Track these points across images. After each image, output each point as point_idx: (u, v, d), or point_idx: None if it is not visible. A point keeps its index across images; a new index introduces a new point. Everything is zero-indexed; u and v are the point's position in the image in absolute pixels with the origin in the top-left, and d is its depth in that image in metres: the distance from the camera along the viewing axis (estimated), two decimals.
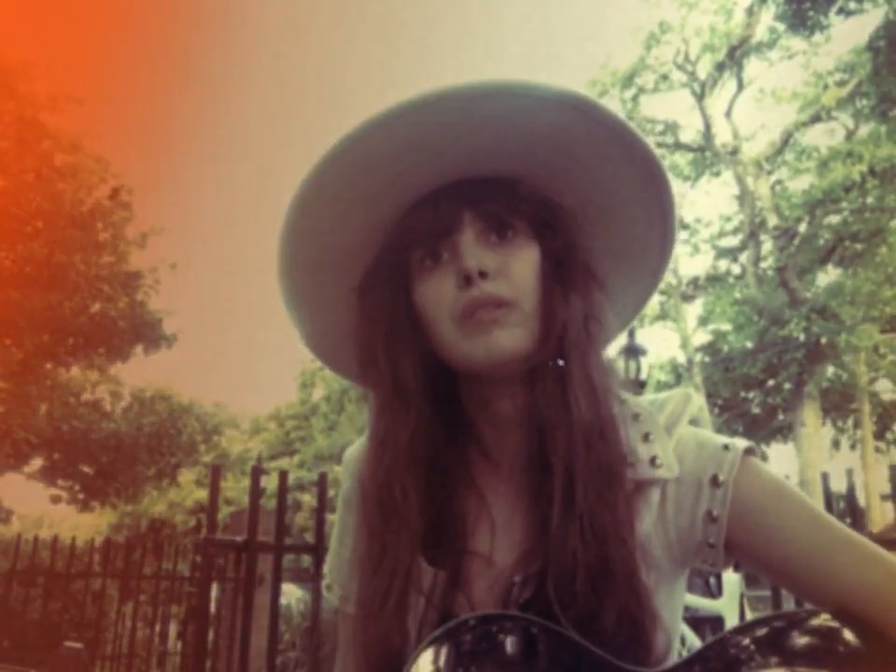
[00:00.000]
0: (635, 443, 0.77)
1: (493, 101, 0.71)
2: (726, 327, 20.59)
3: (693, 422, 0.82)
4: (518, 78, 0.70)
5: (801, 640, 0.68)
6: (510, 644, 0.66)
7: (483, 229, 0.77)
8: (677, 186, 21.65)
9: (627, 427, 0.78)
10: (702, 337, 21.42)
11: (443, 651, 0.65)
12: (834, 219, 19.51)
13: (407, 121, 0.70)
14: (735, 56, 19.99)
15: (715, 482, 0.75)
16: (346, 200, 0.77)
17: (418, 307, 0.78)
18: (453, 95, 0.70)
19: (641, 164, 0.77)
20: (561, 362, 0.77)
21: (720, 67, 20.25)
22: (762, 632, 0.68)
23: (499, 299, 0.74)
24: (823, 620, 0.69)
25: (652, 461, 0.76)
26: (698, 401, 0.83)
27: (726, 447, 0.77)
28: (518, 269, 0.76)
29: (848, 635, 0.67)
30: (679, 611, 0.83)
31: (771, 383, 19.99)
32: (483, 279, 0.74)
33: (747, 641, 0.68)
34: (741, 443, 0.78)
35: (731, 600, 4.52)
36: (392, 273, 0.80)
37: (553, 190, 0.80)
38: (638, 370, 9.17)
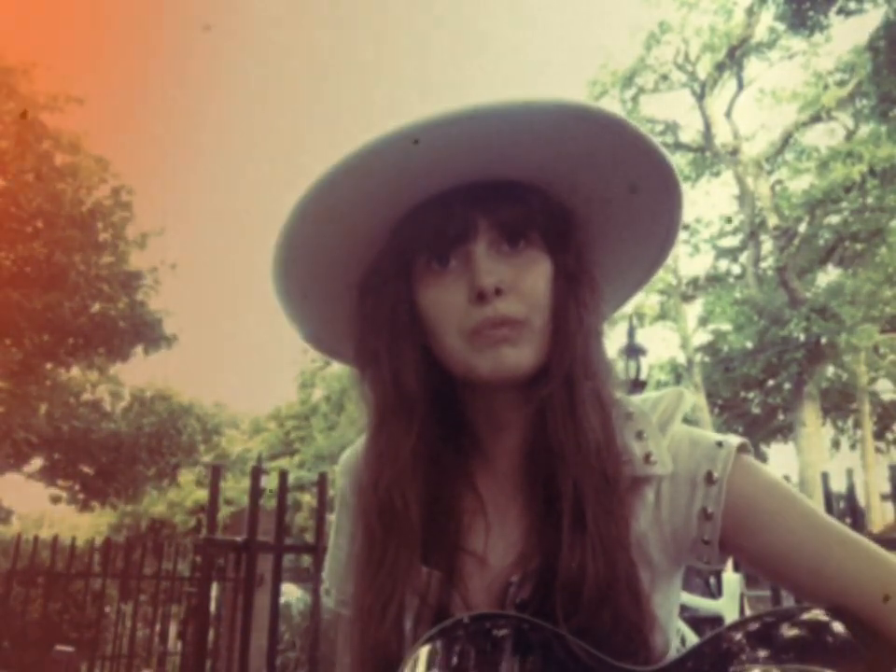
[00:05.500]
0: (628, 441, 0.77)
1: (515, 117, 0.69)
2: (726, 327, 20.57)
3: (690, 421, 0.82)
4: (545, 96, 0.68)
5: (795, 636, 0.68)
6: (506, 644, 0.66)
7: (495, 237, 0.76)
8: None
9: (621, 427, 0.78)
10: (702, 337, 21.45)
11: (439, 650, 0.65)
12: (834, 219, 19.51)
13: (421, 140, 0.68)
14: (735, 56, 19.99)
15: (709, 479, 0.76)
16: (351, 204, 0.75)
17: (422, 311, 0.77)
18: (474, 115, 0.67)
19: (660, 179, 0.76)
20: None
21: (720, 67, 20.26)
22: (756, 628, 0.68)
23: (512, 319, 0.73)
24: (819, 617, 0.69)
25: (646, 458, 0.76)
26: (691, 399, 0.83)
27: (720, 444, 0.77)
28: (531, 284, 0.75)
29: (843, 632, 0.67)
30: (675, 609, 0.83)
31: (771, 383, 19.99)
32: (498, 296, 0.73)
33: (741, 638, 0.68)
34: (734, 440, 0.78)
35: (731, 600, 4.51)
36: (395, 274, 0.78)
37: (563, 196, 0.79)
38: (638, 370, 9.19)
